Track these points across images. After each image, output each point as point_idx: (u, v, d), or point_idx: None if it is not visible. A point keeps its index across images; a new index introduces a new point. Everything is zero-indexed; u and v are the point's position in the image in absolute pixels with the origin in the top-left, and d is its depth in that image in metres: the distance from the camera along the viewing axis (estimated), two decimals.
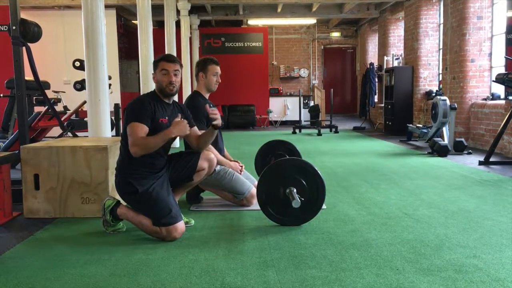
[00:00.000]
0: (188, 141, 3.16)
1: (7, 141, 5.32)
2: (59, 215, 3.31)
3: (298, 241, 2.72)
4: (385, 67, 11.13)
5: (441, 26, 8.93)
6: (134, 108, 2.84)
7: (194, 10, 11.42)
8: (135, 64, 10.24)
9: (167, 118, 2.92)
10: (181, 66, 3.00)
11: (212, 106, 3.67)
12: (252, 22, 13.42)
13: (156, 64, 2.97)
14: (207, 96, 3.65)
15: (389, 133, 9.82)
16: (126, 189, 2.87)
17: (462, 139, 6.62)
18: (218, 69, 3.59)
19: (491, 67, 7.52)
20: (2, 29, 8.84)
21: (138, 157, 2.77)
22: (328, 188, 3.23)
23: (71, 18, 9.34)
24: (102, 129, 4.03)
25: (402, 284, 2.10)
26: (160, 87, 2.93)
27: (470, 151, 6.58)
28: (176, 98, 3.13)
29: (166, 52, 8.47)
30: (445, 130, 6.89)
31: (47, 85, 5.63)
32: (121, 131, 2.93)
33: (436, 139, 6.57)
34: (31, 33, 3.92)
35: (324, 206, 3.35)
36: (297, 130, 10.78)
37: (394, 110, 9.73)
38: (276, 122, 13.34)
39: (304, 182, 3.00)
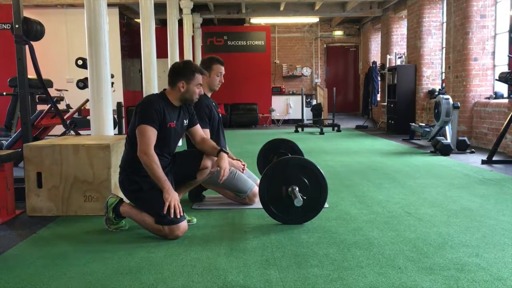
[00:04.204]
0: (191, 138, 3.19)
1: (10, 139, 5.34)
2: (62, 213, 3.32)
3: (300, 240, 2.72)
4: (387, 65, 11.11)
5: (444, 24, 8.90)
6: (145, 110, 2.85)
7: (197, 8, 11.41)
8: (137, 63, 10.25)
9: (175, 122, 2.95)
10: None
11: (214, 104, 3.68)
12: (255, 20, 13.41)
13: (191, 75, 2.94)
14: (209, 95, 3.65)
15: (392, 132, 9.80)
16: (129, 186, 2.89)
17: (465, 138, 6.61)
18: (222, 69, 3.59)
19: (494, 65, 7.50)
20: (5, 27, 8.86)
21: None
22: (330, 187, 3.22)
23: (74, 16, 9.36)
24: (104, 127, 4.04)
25: (404, 283, 2.09)
26: (188, 97, 2.97)
27: (472, 150, 6.57)
28: None
29: (168, 51, 8.49)
30: (447, 129, 6.87)
31: (49, 84, 5.64)
32: (129, 128, 2.93)
33: (438, 138, 6.56)
34: (34, 31, 3.93)
35: (326, 205, 3.36)
36: (299, 129, 10.77)
37: (396, 109, 9.71)
38: (278, 120, 13.34)
39: (306, 181, 3.00)
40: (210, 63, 3.56)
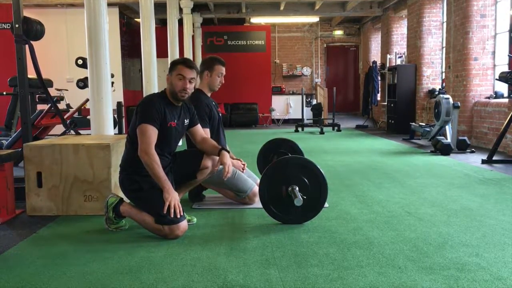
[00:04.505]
0: (191, 138, 3.19)
1: (10, 139, 5.34)
2: (62, 213, 3.32)
3: (300, 239, 2.72)
4: (388, 65, 11.11)
5: (444, 24, 8.90)
6: (146, 109, 2.85)
7: (197, 8, 11.41)
8: (137, 62, 10.25)
9: (176, 121, 2.94)
10: (197, 73, 3.00)
11: (214, 104, 3.68)
12: (255, 20, 13.40)
13: (173, 66, 2.94)
14: (209, 94, 3.65)
15: (392, 131, 9.80)
16: (130, 186, 2.89)
17: (465, 138, 6.61)
18: (223, 70, 3.59)
19: (494, 65, 7.50)
20: (5, 27, 8.86)
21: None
22: (330, 186, 3.23)
23: (74, 16, 9.36)
24: (104, 127, 4.03)
25: (404, 282, 2.09)
26: (173, 90, 2.92)
27: (473, 149, 6.56)
28: None
29: (168, 50, 8.49)
30: (448, 128, 6.87)
31: (50, 83, 5.64)
32: (129, 128, 2.93)
33: (439, 137, 6.56)
34: (34, 31, 3.93)
35: (326, 205, 3.36)
36: (299, 129, 10.77)
37: (396, 109, 9.71)
38: (278, 120, 13.33)
39: (306, 181, 3.00)
40: (212, 63, 3.56)
